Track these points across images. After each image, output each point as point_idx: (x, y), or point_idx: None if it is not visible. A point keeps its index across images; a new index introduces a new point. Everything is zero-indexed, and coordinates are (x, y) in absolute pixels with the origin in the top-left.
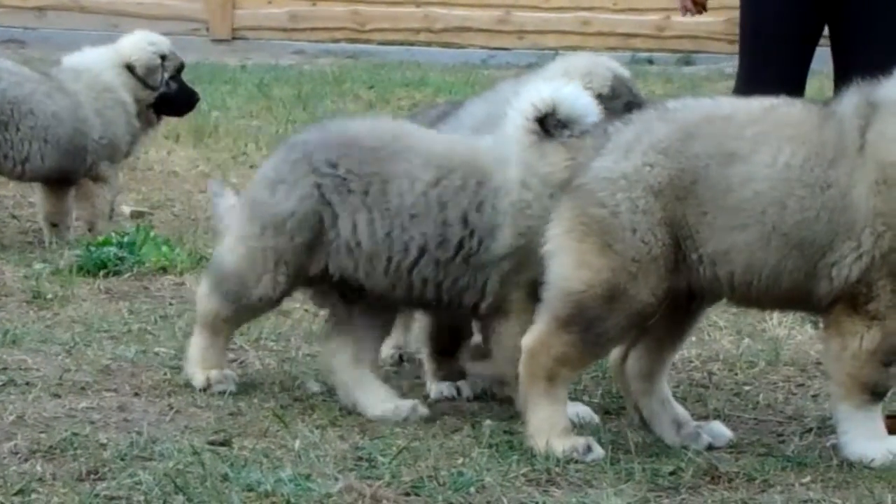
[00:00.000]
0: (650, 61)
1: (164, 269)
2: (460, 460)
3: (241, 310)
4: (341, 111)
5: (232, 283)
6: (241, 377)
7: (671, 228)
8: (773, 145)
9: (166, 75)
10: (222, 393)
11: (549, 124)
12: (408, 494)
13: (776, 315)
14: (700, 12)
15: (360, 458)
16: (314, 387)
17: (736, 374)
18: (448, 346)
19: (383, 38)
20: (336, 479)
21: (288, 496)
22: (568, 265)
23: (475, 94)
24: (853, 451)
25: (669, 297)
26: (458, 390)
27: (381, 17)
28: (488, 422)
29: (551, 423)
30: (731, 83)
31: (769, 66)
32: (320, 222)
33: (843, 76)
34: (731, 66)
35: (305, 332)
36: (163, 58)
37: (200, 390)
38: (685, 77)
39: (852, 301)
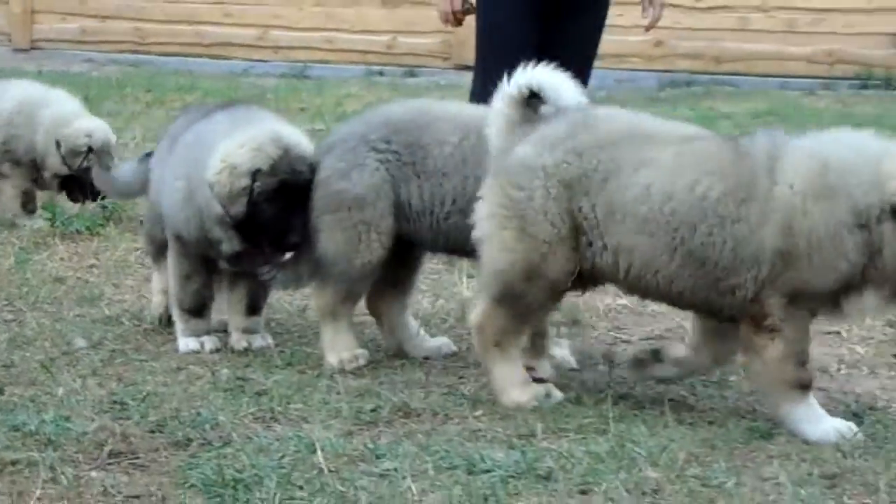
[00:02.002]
0: (381, 73)
1: None
2: (199, 403)
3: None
4: (121, 111)
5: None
6: (16, 335)
7: (574, 217)
8: (692, 173)
9: (87, 164)
10: (357, 370)
11: (532, 103)
12: (153, 432)
13: (465, 280)
14: (458, 25)
15: (115, 403)
16: (80, 342)
17: (431, 329)
18: (195, 307)
19: (161, 51)
20: (92, 420)
21: (49, 435)
22: (494, 248)
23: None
24: (815, 435)
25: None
26: (202, 345)
27: (160, 32)
28: (225, 370)
29: (510, 380)
30: (444, 93)
31: (503, 70)
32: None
33: None
34: (445, 79)
35: (77, 296)
36: (90, 149)
37: (338, 371)
38: (409, 87)
39: (753, 320)
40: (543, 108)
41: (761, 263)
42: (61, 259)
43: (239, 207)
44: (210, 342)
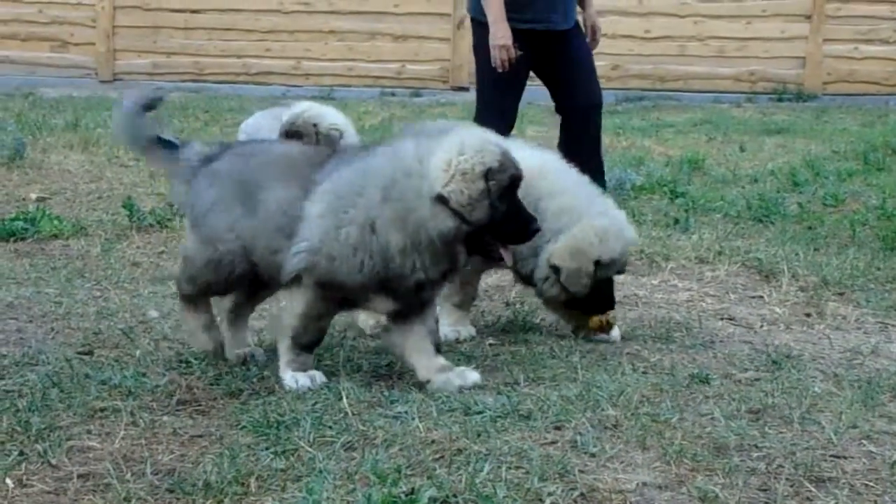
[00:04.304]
0: (393, 94)
1: (55, 236)
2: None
3: None
4: (184, 128)
5: None
6: (102, 308)
7: None
8: None
9: None
10: (375, 334)
11: None
12: (212, 384)
13: None
14: (507, 69)
15: (181, 361)
16: (153, 314)
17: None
18: (311, 343)
19: (216, 79)
20: (164, 375)
21: (129, 387)
22: None
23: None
24: None
25: None
26: (312, 380)
27: (214, 65)
28: (268, 336)
29: None
30: (442, 109)
31: (502, 100)
32: None
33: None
34: (444, 98)
35: (150, 277)
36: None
37: (360, 335)
38: (415, 105)
39: None
40: None
41: None
42: (137, 247)
43: (481, 212)
44: (319, 377)
